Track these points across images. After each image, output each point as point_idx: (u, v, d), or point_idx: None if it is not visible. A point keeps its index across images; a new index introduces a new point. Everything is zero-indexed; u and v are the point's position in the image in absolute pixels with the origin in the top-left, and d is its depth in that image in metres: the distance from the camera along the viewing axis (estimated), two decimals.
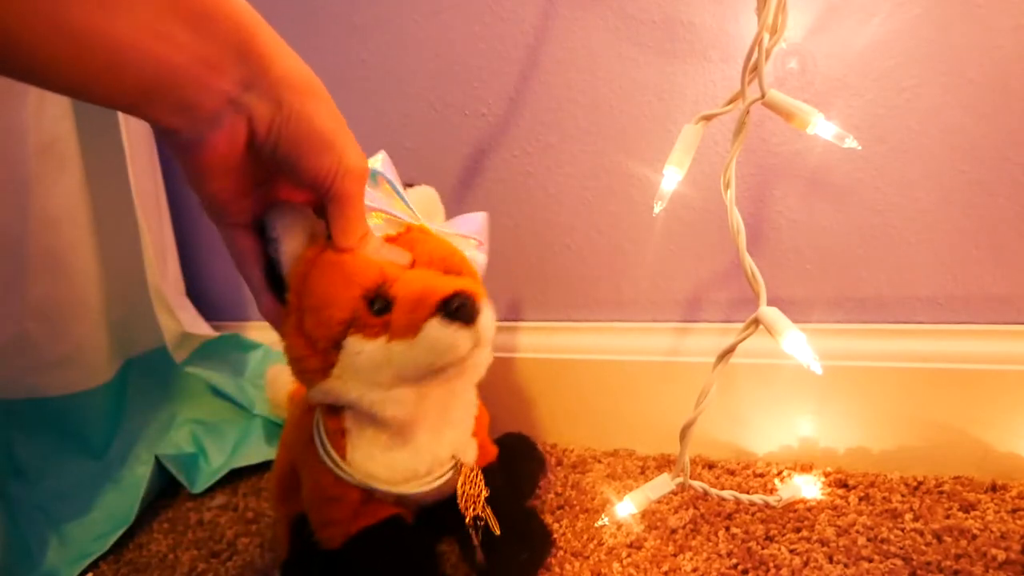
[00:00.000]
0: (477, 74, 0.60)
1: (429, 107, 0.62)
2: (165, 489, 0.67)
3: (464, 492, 0.44)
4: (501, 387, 0.66)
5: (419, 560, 0.44)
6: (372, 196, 0.40)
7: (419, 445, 0.42)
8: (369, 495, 0.43)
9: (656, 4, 0.53)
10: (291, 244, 0.37)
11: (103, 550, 0.59)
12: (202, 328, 0.72)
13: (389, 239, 0.40)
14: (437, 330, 0.35)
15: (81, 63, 0.26)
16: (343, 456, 0.42)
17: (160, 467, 0.66)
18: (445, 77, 0.61)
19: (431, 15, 0.59)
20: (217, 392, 0.72)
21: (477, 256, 0.46)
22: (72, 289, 0.61)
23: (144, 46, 0.27)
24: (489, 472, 0.47)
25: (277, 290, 0.38)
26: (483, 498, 0.45)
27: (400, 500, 0.44)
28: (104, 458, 0.66)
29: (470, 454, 0.45)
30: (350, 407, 0.40)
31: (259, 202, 0.37)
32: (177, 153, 0.33)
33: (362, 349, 0.37)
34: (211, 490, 0.67)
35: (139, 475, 0.65)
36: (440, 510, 0.45)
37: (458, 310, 0.35)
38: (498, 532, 0.45)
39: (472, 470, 0.45)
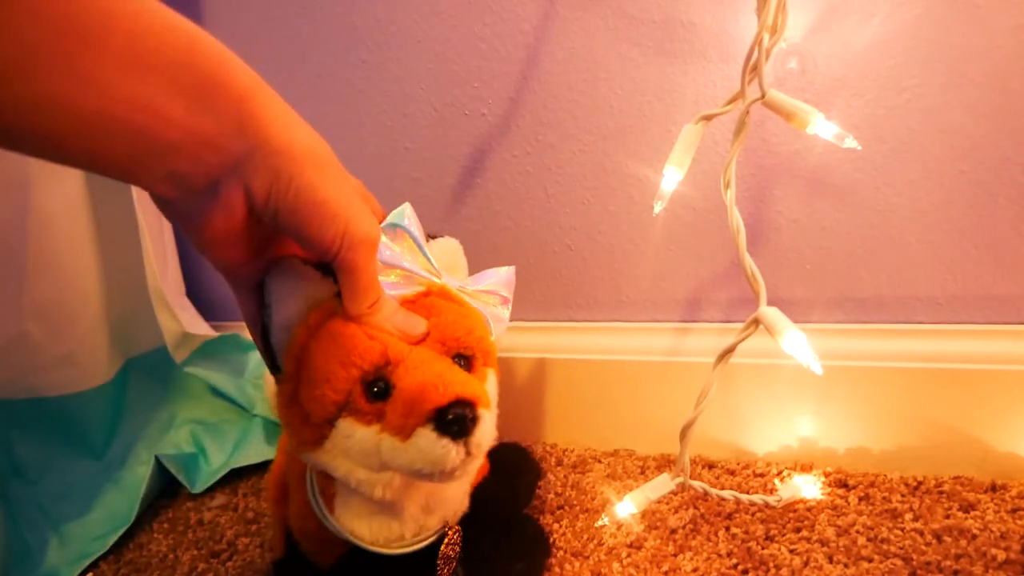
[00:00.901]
0: (477, 74, 0.60)
1: (429, 107, 0.62)
2: (165, 489, 0.67)
3: (445, 554, 0.43)
4: (501, 387, 0.65)
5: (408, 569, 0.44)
6: (391, 252, 0.38)
7: (407, 517, 0.41)
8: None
9: (656, 4, 0.53)
10: (285, 312, 0.36)
11: (103, 550, 0.59)
12: (202, 328, 0.72)
13: (406, 302, 0.38)
14: (428, 440, 0.33)
15: (65, 135, 0.25)
16: (331, 511, 0.41)
17: (160, 467, 0.66)
18: (445, 77, 0.61)
19: (431, 15, 0.59)
20: (217, 392, 0.72)
21: (500, 313, 0.44)
22: (72, 289, 0.61)
23: (134, 120, 0.26)
24: (483, 486, 0.46)
25: (268, 357, 0.37)
26: (457, 559, 0.44)
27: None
28: (104, 458, 0.66)
29: (461, 511, 0.44)
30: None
31: (265, 258, 0.35)
32: (175, 221, 0.32)
33: (353, 434, 0.35)
34: (211, 490, 0.67)
35: (139, 475, 0.65)
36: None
37: (453, 422, 0.33)
38: None
39: (456, 533, 0.44)
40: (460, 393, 0.34)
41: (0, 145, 0.25)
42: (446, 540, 0.43)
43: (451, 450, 0.33)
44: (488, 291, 0.44)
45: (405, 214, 0.39)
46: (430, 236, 0.43)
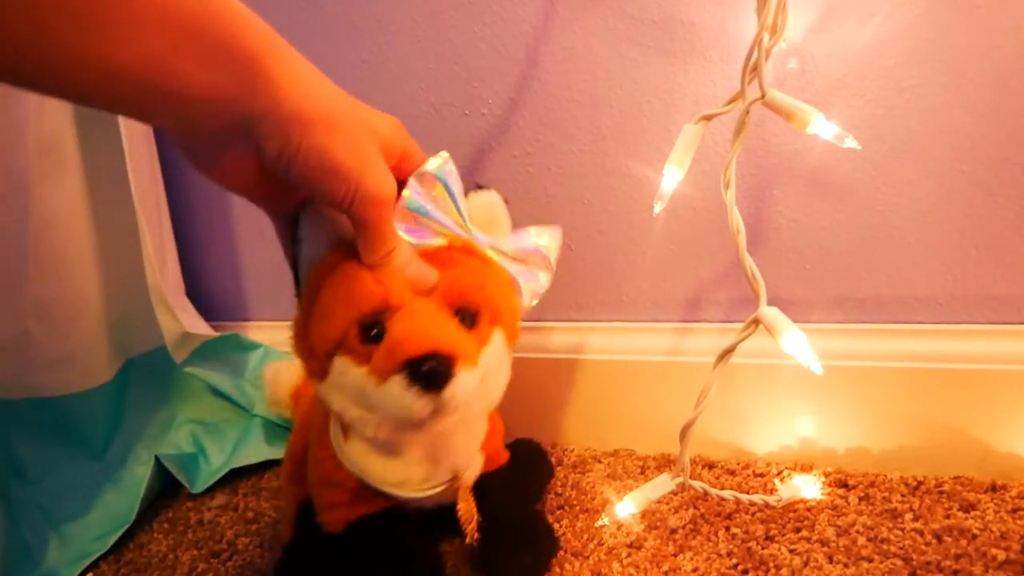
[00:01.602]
0: (477, 74, 0.60)
1: (429, 107, 0.62)
2: (165, 489, 0.67)
3: (464, 515, 0.44)
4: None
5: (416, 550, 0.44)
6: (419, 199, 0.38)
7: (412, 459, 0.42)
8: (367, 484, 0.43)
9: (656, 4, 0.53)
10: (312, 250, 0.37)
11: (103, 550, 0.59)
12: (202, 328, 0.72)
13: (423, 253, 0.38)
14: (397, 388, 0.34)
15: (82, 82, 0.26)
16: (346, 441, 0.42)
17: (160, 467, 0.66)
18: (445, 77, 0.61)
19: (431, 15, 0.59)
20: (217, 392, 0.72)
21: (540, 277, 0.44)
22: (72, 289, 0.61)
23: (150, 77, 0.27)
24: (498, 475, 0.47)
25: (297, 287, 0.39)
26: (476, 520, 0.44)
27: (393, 500, 0.44)
28: (104, 458, 0.66)
29: (472, 472, 0.45)
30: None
31: (294, 198, 0.37)
32: (190, 161, 0.33)
33: (347, 371, 0.36)
34: (211, 490, 0.67)
35: (139, 475, 0.65)
36: (438, 513, 0.45)
37: (424, 375, 0.33)
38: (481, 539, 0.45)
39: (469, 494, 0.44)
40: (438, 346, 0.34)
41: (31, 89, 0.26)
42: (462, 493, 0.43)
43: (416, 401, 0.34)
44: (528, 252, 0.43)
45: (440, 162, 0.39)
46: (478, 186, 0.43)
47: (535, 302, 0.44)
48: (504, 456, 0.50)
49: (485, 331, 0.39)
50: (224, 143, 0.31)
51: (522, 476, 0.54)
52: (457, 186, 0.40)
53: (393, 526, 0.44)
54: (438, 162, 0.39)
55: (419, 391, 0.34)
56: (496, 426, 0.49)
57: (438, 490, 0.43)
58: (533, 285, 0.43)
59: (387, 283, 0.36)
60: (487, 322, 0.39)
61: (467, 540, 0.43)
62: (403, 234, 0.37)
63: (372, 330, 0.36)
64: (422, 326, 0.35)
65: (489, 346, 0.39)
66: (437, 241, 0.39)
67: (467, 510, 0.44)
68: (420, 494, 0.43)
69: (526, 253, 0.43)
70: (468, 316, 0.39)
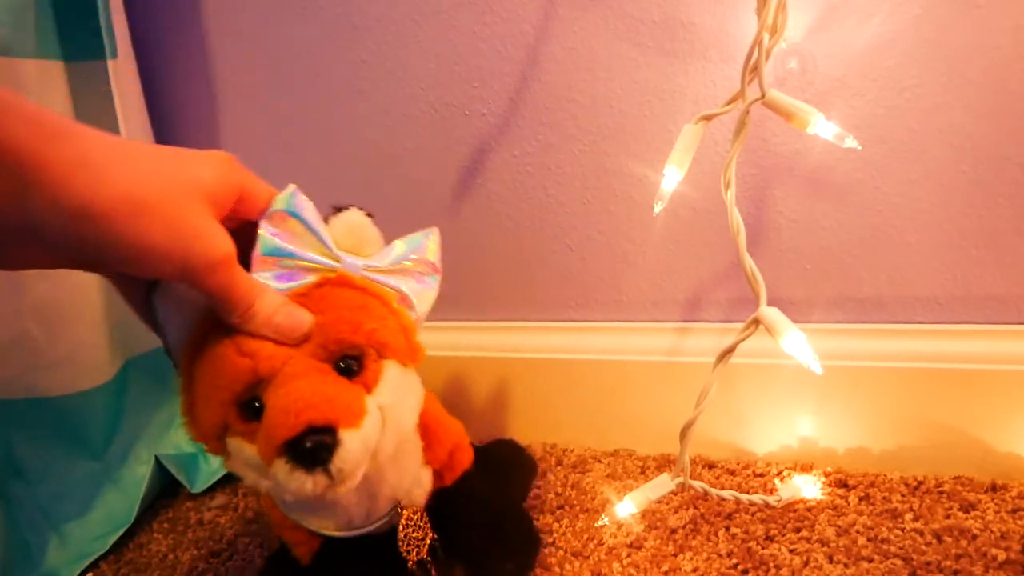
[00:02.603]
0: (477, 74, 0.60)
1: (429, 107, 0.62)
2: (165, 489, 0.67)
3: (406, 535, 0.42)
4: (501, 387, 0.66)
5: (383, 564, 0.44)
6: (276, 241, 0.36)
7: (346, 508, 0.40)
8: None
9: (656, 4, 0.53)
10: (175, 333, 0.36)
11: (103, 550, 0.59)
12: None
13: (296, 296, 0.35)
14: (282, 473, 0.32)
15: None
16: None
17: (160, 467, 0.66)
18: (445, 77, 0.61)
19: (431, 15, 0.59)
20: None
21: (428, 284, 0.41)
22: (72, 289, 0.61)
23: None
24: (463, 483, 0.46)
25: (175, 367, 0.37)
26: (427, 542, 0.43)
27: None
28: (104, 458, 0.66)
29: (418, 492, 0.44)
30: None
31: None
32: None
33: (241, 451, 0.35)
34: (211, 490, 0.67)
35: (139, 475, 0.65)
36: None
37: (305, 453, 0.31)
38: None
39: (416, 513, 0.43)
40: (312, 420, 0.31)
41: None
42: (403, 522, 0.42)
43: (306, 481, 0.32)
44: (404, 264, 0.40)
45: (287, 197, 0.36)
46: (336, 209, 0.39)
47: (423, 311, 0.41)
48: (466, 459, 0.48)
49: (373, 371, 0.37)
50: (10, 243, 0.28)
51: (499, 478, 0.53)
52: (313, 215, 0.37)
53: (356, 546, 0.43)
54: (286, 196, 0.36)
55: (304, 472, 0.32)
56: (439, 435, 0.46)
57: (384, 520, 0.42)
58: (422, 291, 0.41)
59: (253, 351, 0.33)
60: (373, 360, 0.37)
61: (409, 566, 0.42)
62: (271, 282, 0.35)
63: (253, 404, 0.34)
64: (294, 399, 0.32)
65: (381, 383, 0.37)
66: (309, 279, 0.36)
67: (409, 536, 0.42)
68: (366, 530, 0.42)
69: (405, 263, 0.40)
70: (351, 361, 0.36)
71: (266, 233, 0.35)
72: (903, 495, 0.51)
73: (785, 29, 0.43)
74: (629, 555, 0.49)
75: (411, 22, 0.60)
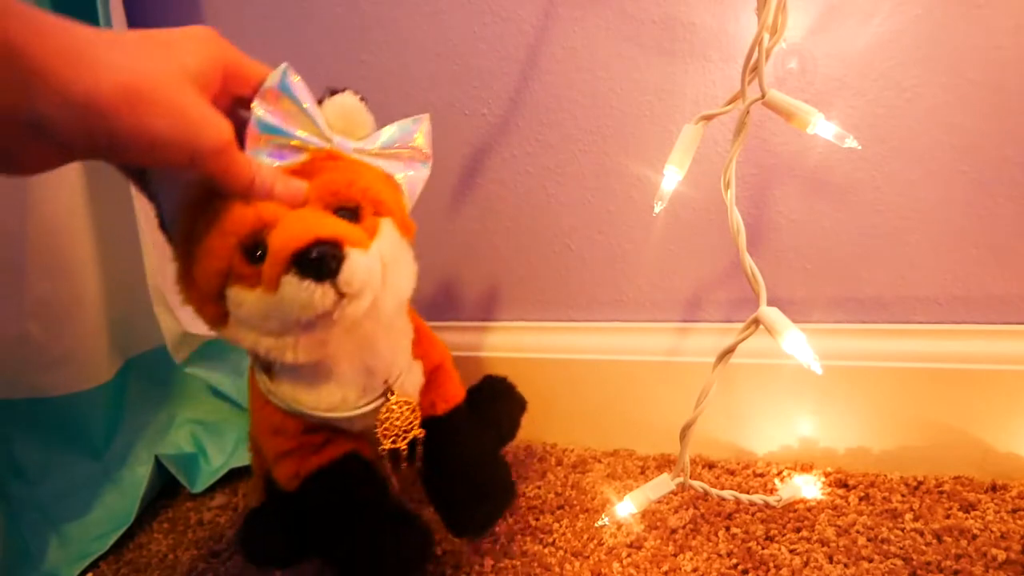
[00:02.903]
0: (477, 74, 0.60)
1: (429, 107, 0.62)
2: (165, 489, 0.67)
3: (387, 421, 0.42)
4: None
5: (372, 496, 0.43)
6: (271, 119, 0.37)
7: (343, 376, 0.41)
8: (308, 425, 0.42)
9: (656, 4, 0.53)
10: (169, 203, 0.37)
11: (103, 550, 0.59)
12: (202, 328, 0.72)
13: (289, 172, 0.37)
14: (292, 286, 0.33)
15: None
16: (276, 387, 0.41)
17: (160, 467, 0.66)
18: (445, 77, 0.61)
19: (431, 15, 0.59)
20: (217, 392, 0.72)
21: (414, 169, 0.42)
22: (72, 289, 0.61)
23: None
24: (456, 415, 0.46)
25: (170, 244, 0.38)
26: (412, 435, 0.43)
27: (341, 427, 0.43)
28: (104, 458, 0.66)
29: (411, 381, 0.44)
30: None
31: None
32: None
33: (243, 300, 0.36)
34: (211, 490, 0.67)
35: (139, 475, 0.65)
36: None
37: (313, 263, 0.32)
38: (417, 465, 0.44)
39: (405, 403, 0.43)
40: (319, 234, 0.33)
41: None
42: (388, 404, 0.42)
43: (315, 291, 0.33)
44: (396, 148, 0.41)
45: (280, 74, 0.37)
46: (332, 91, 0.40)
47: (416, 194, 0.43)
48: (458, 393, 0.49)
49: (371, 223, 0.38)
50: (18, 145, 0.28)
51: (492, 412, 0.52)
52: (305, 95, 0.38)
53: (344, 474, 0.43)
54: (278, 75, 0.37)
55: (313, 281, 0.33)
56: (428, 336, 0.48)
57: (378, 402, 0.42)
58: (411, 177, 0.42)
59: (258, 203, 0.35)
60: (371, 214, 0.38)
61: (380, 450, 0.42)
62: (263, 159, 0.36)
63: (256, 251, 0.35)
64: (301, 223, 0.34)
65: (380, 236, 0.38)
66: (300, 158, 0.38)
67: (391, 423, 0.42)
68: (361, 410, 0.42)
69: (396, 148, 0.41)
70: (349, 212, 0.38)
71: (260, 111, 0.36)
72: (903, 495, 0.51)
73: (785, 29, 0.43)
74: (629, 555, 0.49)
75: (411, 22, 0.60)
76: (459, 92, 0.61)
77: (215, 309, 0.37)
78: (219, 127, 0.32)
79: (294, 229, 0.34)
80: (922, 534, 0.46)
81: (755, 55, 0.42)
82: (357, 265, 0.34)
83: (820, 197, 0.53)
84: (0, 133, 0.27)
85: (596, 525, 0.52)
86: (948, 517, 0.48)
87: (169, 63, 0.31)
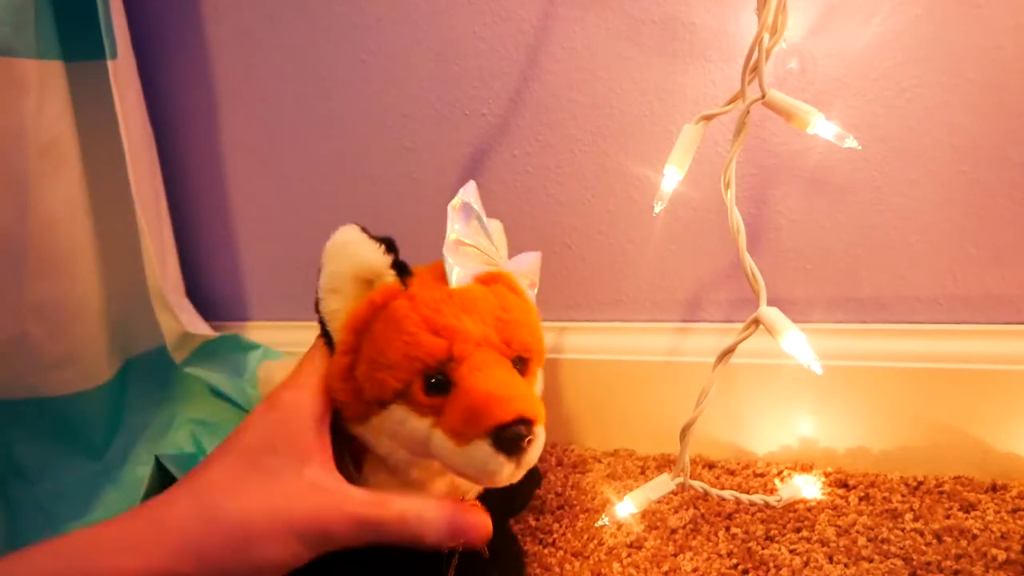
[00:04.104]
0: (477, 74, 0.60)
1: (429, 107, 0.62)
2: (165, 489, 0.67)
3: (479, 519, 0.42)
4: None
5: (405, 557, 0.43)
6: (464, 230, 0.38)
7: (430, 491, 0.41)
8: None
9: (656, 4, 0.53)
10: (332, 270, 0.37)
11: None
12: (202, 328, 0.72)
13: (481, 279, 0.38)
14: (484, 453, 0.33)
15: None
16: (359, 469, 0.41)
17: (160, 467, 0.66)
18: (445, 77, 0.61)
19: (431, 15, 0.59)
20: (217, 392, 0.72)
21: (531, 296, 0.44)
22: (72, 289, 0.61)
23: None
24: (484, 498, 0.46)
25: (322, 327, 0.38)
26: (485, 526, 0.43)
27: None
28: (104, 458, 0.66)
29: (473, 492, 0.44)
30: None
31: None
32: None
33: (406, 421, 0.35)
34: None
35: (139, 475, 0.65)
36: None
37: (511, 441, 0.33)
38: (486, 554, 0.44)
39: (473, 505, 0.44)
40: (523, 411, 0.33)
41: None
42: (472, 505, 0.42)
43: (505, 466, 0.34)
44: (523, 274, 0.43)
45: (472, 191, 0.39)
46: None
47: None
48: None
49: (533, 375, 0.39)
50: None
51: (505, 487, 0.53)
52: (483, 214, 0.39)
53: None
54: (472, 191, 0.39)
55: (506, 456, 0.33)
56: None
57: None
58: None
59: (447, 331, 0.35)
60: (534, 366, 0.39)
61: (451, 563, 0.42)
62: (457, 267, 0.37)
63: (434, 379, 0.35)
64: (502, 387, 0.34)
65: (536, 389, 0.39)
66: (484, 269, 0.39)
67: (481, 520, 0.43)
68: None
69: (526, 274, 0.43)
70: (522, 363, 0.38)
71: (455, 218, 0.38)
72: (903, 495, 0.51)
73: (785, 29, 0.43)
74: (629, 555, 0.49)
75: (411, 22, 0.60)
76: (459, 92, 0.61)
77: (364, 411, 0.37)
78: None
79: (496, 392, 0.34)
80: (922, 534, 0.46)
81: (755, 55, 0.42)
82: (539, 446, 0.35)
83: (820, 197, 0.53)
84: None
85: (596, 525, 0.52)
86: (948, 517, 0.48)
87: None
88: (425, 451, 0.36)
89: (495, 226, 0.43)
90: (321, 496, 0.34)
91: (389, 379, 0.35)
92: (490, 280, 0.39)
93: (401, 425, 0.36)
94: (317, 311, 0.38)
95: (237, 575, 0.31)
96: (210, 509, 0.32)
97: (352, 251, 0.36)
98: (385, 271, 0.36)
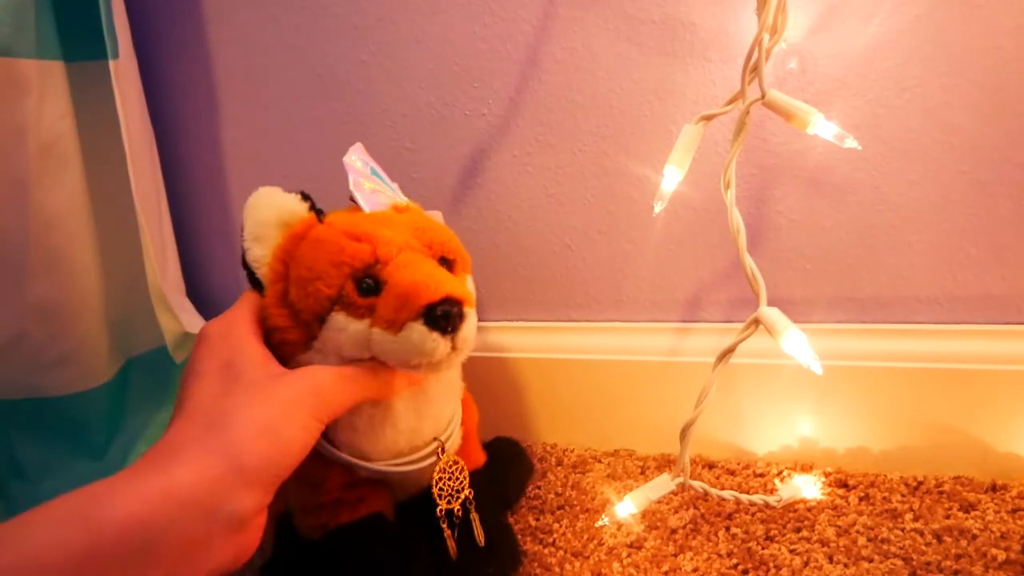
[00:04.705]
0: (477, 74, 0.60)
1: (429, 107, 0.62)
2: None
3: (441, 480, 0.44)
4: (501, 387, 0.65)
5: (401, 556, 0.43)
6: (365, 177, 0.43)
7: (398, 419, 0.42)
8: (351, 480, 0.43)
9: (656, 4, 0.53)
10: (253, 222, 0.39)
11: None
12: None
13: (397, 208, 0.43)
14: (418, 334, 0.35)
15: None
16: (328, 435, 0.42)
17: None
18: (445, 77, 0.61)
19: (431, 15, 0.59)
20: None
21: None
22: (72, 289, 0.61)
23: None
24: (474, 477, 0.46)
25: (250, 276, 0.40)
26: (464, 496, 0.44)
27: (382, 481, 0.44)
28: (104, 458, 0.66)
29: (453, 440, 0.45)
30: None
31: None
32: None
33: (346, 327, 0.37)
34: None
35: None
36: (420, 507, 0.45)
37: (442, 317, 0.36)
38: (481, 540, 0.44)
39: (456, 463, 0.44)
40: (450, 291, 0.36)
41: None
42: (441, 464, 0.43)
43: (440, 343, 0.36)
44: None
45: (356, 152, 0.44)
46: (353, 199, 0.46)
47: None
48: (480, 457, 0.50)
49: (461, 277, 0.43)
50: None
51: (501, 476, 0.53)
52: (378, 169, 0.45)
53: (375, 531, 0.43)
54: (356, 152, 0.44)
55: (440, 334, 0.36)
56: (473, 413, 0.50)
57: (424, 464, 0.43)
58: None
59: (371, 238, 0.38)
60: (461, 269, 0.43)
61: (436, 512, 0.43)
62: (368, 199, 0.42)
63: (364, 283, 0.37)
64: (427, 273, 0.37)
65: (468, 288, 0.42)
66: (387, 206, 0.43)
67: (444, 483, 0.44)
68: (407, 467, 0.42)
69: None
70: (448, 263, 0.41)
71: (355, 170, 0.43)
72: (903, 495, 0.51)
73: (785, 29, 0.43)
74: (629, 555, 0.49)
75: (411, 22, 0.60)
76: (459, 92, 0.61)
77: (302, 334, 0.39)
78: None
79: (422, 278, 0.36)
80: (922, 534, 0.46)
81: (755, 55, 0.42)
82: (472, 324, 0.38)
83: (820, 197, 0.53)
84: None
85: (596, 525, 0.52)
86: (948, 517, 0.48)
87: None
88: (368, 355, 0.38)
89: (434, 213, 0.48)
90: (301, 376, 0.36)
91: (322, 287, 0.37)
92: (402, 210, 0.43)
93: (342, 333, 0.37)
94: (244, 264, 0.40)
95: (278, 470, 0.33)
96: (228, 415, 0.33)
97: (272, 199, 0.40)
98: (305, 215, 0.40)
